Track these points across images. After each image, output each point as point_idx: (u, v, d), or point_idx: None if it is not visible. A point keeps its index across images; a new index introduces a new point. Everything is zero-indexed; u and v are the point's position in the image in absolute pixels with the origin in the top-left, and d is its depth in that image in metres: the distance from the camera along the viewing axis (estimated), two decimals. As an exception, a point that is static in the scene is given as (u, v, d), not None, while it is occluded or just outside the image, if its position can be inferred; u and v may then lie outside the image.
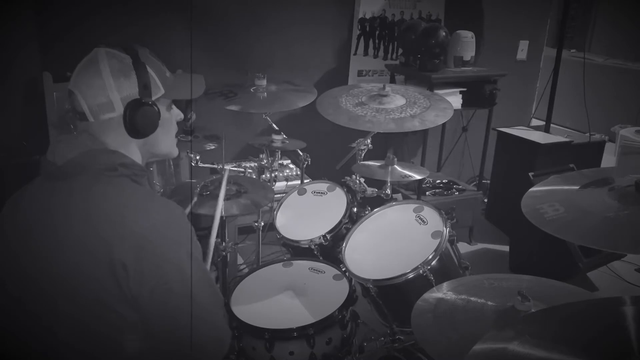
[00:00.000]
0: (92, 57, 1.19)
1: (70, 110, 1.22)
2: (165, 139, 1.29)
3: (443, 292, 1.47)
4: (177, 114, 1.31)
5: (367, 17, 3.50)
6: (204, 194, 1.99)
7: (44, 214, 1.13)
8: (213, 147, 2.27)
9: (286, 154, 3.01)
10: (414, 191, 3.25)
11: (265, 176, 2.55)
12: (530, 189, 1.50)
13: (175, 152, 1.32)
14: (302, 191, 2.32)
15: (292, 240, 2.11)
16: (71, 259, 1.07)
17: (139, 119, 1.17)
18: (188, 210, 1.67)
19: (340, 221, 2.09)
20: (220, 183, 1.94)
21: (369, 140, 2.30)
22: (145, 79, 1.18)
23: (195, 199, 1.84)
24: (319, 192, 2.28)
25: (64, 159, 1.14)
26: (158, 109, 1.21)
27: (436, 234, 1.84)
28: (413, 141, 3.70)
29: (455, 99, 3.13)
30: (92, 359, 1.12)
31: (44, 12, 2.77)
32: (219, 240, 2.09)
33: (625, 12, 5.65)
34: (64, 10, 2.76)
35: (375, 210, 2.06)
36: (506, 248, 3.18)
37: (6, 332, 1.14)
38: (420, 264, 1.73)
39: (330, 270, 1.91)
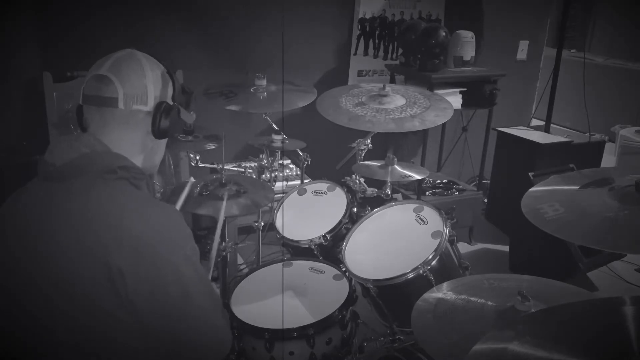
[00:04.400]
0: (129, 54, 1.22)
1: (70, 110, 1.23)
2: (162, 151, 1.33)
3: (443, 292, 1.47)
4: None
5: (367, 17, 3.50)
6: (204, 193, 1.99)
7: (41, 215, 1.13)
8: (213, 147, 2.27)
9: (286, 154, 3.01)
10: (414, 191, 3.25)
11: (265, 176, 2.55)
12: (530, 189, 1.50)
13: (156, 168, 1.36)
14: (302, 191, 2.32)
15: (292, 240, 2.11)
16: (68, 261, 1.07)
17: (169, 121, 1.23)
18: (179, 205, 1.65)
19: (340, 221, 2.09)
20: (223, 183, 1.93)
21: (369, 140, 2.30)
22: (178, 88, 1.27)
23: (192, 180, 1.80)
24: (319, 192, 2.28)
25: (63, 160, 1.14)
26: (180, 113, 1.28)
27: (436, 234, 1.84)
28: (413, 141, 3.70)
29: (455, 99, 3.13)
30: (91, 359, 1.11)
31: (44, 12, 2.77)
32: (219, 240, 2.09)
33: (625, 12, 5.65)
34: (64, 10, 2.77)
35: (375, 210, 2.06)
36: (506, 248, 3.18)
37: (5, 332, 1.14)
38: (420, 264, 1.74)
39: (330, 270, 1.92)
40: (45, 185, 1.16)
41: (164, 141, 1.31)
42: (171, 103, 1.25)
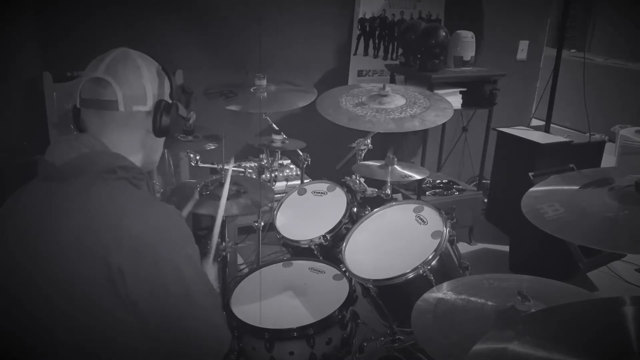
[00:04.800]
0: (123, 54, 1.21)
1: (71, 111, 1.23)
2: (161, 148, 1.33)
3: (443, 292, 1.47)
4: None
5: (367, 17, 3.50)
6: (204, 193, 1.99)
7: (41, 215, 1.13)
8: (213, 147, 2.27)
9: (286, 154, 3.01)
10: (414, 191, 3.25)
11: (265, 176, 2.55)
12: (530, 189, 1.50)
13: (155, 165, 1.36)
14: (302, 191, 2.32)
15: (292, 240, 2.11)
16: (68, 260, 1.07)
17: (169, 119, 1.23)
18: (188, 210, 1.67)
19: (340, 221, 2.09)
20: (222, 183, 1.93)
21: (369, 140, 2.30)
22: (174, 85, 1.26)
23: (196, 196, 1.83)
24: (319, 192, 2.28)
25: (63, 160, 1.14)
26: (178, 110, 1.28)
27: (436, 234, 1.84)
28: (413, 141, 3.70)
29: (455, 99, 3.13)
30: (91, 359, 1.11)
31: (44, 12, 2.77)
32: (219, 240, 2.09)
33: (625, 12, 5.65)
34: (64, 10, 2.77)
35: (375, 210, 2.06)
36: (506, 248, 3.18)
37: (5, 332, 1.14)
38: (420, 264, 1.74)
39: (330, 270, 1.92)
40: (45, 185, 1.16)
41: (163, 138, 1.31)
42: (170, 101, 1.25)
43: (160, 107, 1.21)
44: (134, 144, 1.23)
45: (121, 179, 1.15)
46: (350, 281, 1.83)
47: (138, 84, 1.19)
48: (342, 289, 1.80)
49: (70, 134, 1.22)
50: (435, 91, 2.86)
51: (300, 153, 2.45)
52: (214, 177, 2.11)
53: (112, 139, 1.19)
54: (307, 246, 2.07)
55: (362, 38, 3.53)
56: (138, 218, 1.10)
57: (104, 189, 1.12)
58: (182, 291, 1.11)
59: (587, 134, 3.29)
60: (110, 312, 1.07)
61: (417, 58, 3.25)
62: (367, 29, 3.52)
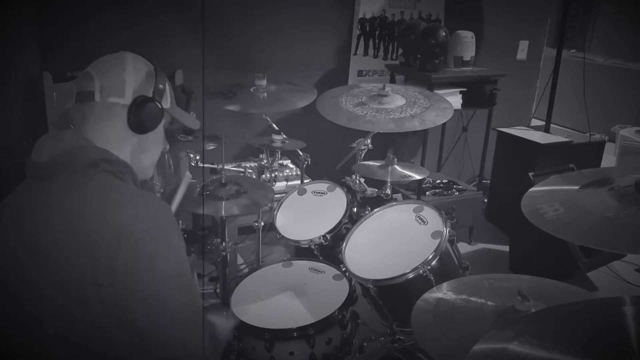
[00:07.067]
0: (118, 55, 1.23)
1: (69, 110, 1.23)
2: (153, 149, 1.30)
3: (443, 292, 1.47)
4: (165, 142, 1.35)
5: (367, 17, 3.50)
6: (204, 193, 1.99)
7: (31, 215, 1.13)
8: (213, 147, 2.27)
9: (286, 154, 3.01)
10: (414, 191, 3.25)
11: (265, 176, 2.55)
12: (530, 189, 1.50)
13: (150, 173, 1.34)
14: (302, 191, 2.32)
15: (292, 240, 2.11)
16: (58, 257, 1.07)
17: (144, 113, 1.21)
18: (177, 202, 1.64)
19: (340, 221, 2.08)
20: (223, 183, 1.94)
21: (369, 140, 2.30)
22: (162, 84, 1.24)
23: (189, 175, 1.79)
24: (319, 192, 2.28)
25: (47, 157, 1.14)
26: (162, 109, 1.24)
27: (436, 234, 1.84)
28: (413, 141, 3.71)
29: (455, 99, 3.13)
30: (81, 355, 1.11)
31: (44, 12, 2.77)
32: (220, 240, 2.10)
33: (625, 12, 5.66)
34: (64, 11, 2.77)
35: (375, 210, 2.06)
36: (506, 248, 3.19)
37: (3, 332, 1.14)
38: (420, 264, 1.74)
39: (330, 270, 1.92)
40: (34, 184, 1.17)
41: (152, 139, 1.28)
42: (149, 96, 1.22)
43: (136, 101, 1.20)
44: (117, 139, 1.21)
45: (105, 172, 1.15)
46: (350, 281, 1.83)
47: (117, 76, 1.19)
48: (342, 289, 1.80)
49: (54, 132, 1.22)
50: (435, 91, 2.86)
51: (300, 153, 2.45)
52: (214, 177, 2.11)
53: (94, 133, 1.18)
54: (307, 246, 2.07)
55: (362, 38, 3.53)
56: (121, 211, 1.10)
57: (87, 185, 1.12)
58: (152, 285, 1.08)
59: (587, 134, 3.29)
60: (94, 305, 1.06)
61: (417, 58, 3.25)
62: (367, 29, 3.52)
